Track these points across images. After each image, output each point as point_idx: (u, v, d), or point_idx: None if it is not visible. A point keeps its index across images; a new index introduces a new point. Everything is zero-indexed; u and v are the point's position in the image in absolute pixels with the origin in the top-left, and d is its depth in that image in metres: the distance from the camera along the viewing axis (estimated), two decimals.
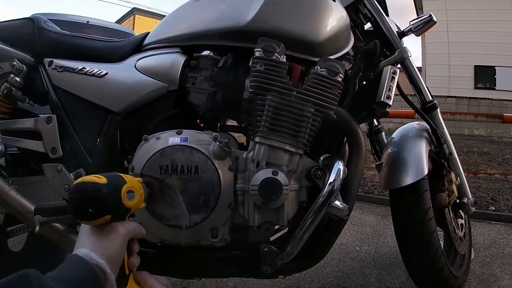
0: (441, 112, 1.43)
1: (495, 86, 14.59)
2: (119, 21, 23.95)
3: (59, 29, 1.32)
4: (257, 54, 0.97)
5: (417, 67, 1.40)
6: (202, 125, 1.17)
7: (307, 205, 0.96)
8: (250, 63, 0.99)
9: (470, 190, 1.51)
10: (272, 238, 1.07)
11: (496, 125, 10.28)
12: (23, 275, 0.48)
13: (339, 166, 0.94)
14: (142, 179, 0.79)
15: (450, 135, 1.44)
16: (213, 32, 1.07)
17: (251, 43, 1.00)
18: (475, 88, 14.70)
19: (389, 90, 1.13)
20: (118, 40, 1.27)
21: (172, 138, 0.95)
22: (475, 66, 14.77)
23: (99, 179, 0.66)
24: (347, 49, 1.16)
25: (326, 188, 0.92)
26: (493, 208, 2.83)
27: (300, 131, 0.95)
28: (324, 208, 0.92)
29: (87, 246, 0.62)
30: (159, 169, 0.93)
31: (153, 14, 22.52)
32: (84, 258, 0.58)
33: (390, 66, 1.19)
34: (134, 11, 24.03)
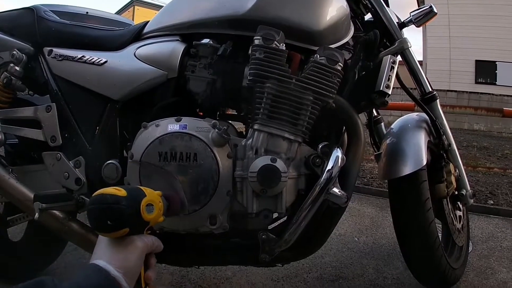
0: (441, 105, 1.43)
1: (496, 81, 14.55)
2: (119, 12, 23.76)
3: (59, 18, 1.32)
4: (256, 42, 0.97)
5: (418, 61, 1.39)
6: (201, 113, 1.18)
7: (306, 193, 0.97)
8: (250, 51, 0.99)
9: (469, 184, 1.51)
10: (270, 227, 1.08)
11: (496, 120, 10.26)
12: (39, 282, 0.49)
13: (338, 153, 0.94)
14: (162, 193, 0.79)
15: (450, 129, 1.44)
16: (212, 21, 1.07)
17: (250, 32, 1.00)
18: (476, 82, 14.66)
19: (388, 80, 1.12)
20: (118, 29, 1.26)
21: (171, 125, 0.95)
22: (476, 61, 14.71)
23: (119, 191, 0.65)
24: (347, 38, 1.15)
25: (324, 175, 0.92)
26: (492, 202, 2.85)
27: (299, 119, 0.95)
28: (322, 195, 0.92)
29: (104, 258, 0.62)
30: (158, 156, 0.93)
31: (153, 5, 22.35)
32: (101, 266, 0.58)
33: (389, 56, 1.18)
34: (133, 2, 23.86)
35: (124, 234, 0.64)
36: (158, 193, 0.76)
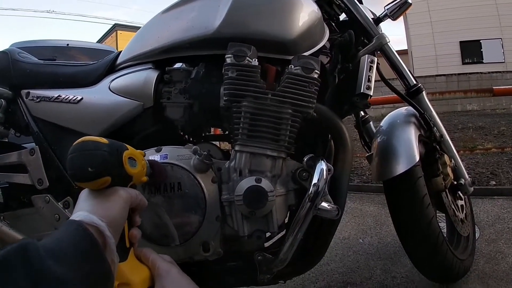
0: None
1: (483, 59, 14.65)
2: (102, 39, 23.86)
3: (35, 58, 1.32)
4: (228, 60, 0.95)
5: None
6: (186, 136, 1.15)
7: (297, 208, 0.94)
8: (223, 71, 0.97)
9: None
10: (270, 242, 1.05)
11: (488, 98, 10.29)
12: (22, 247, 0.44)
13: (322, 166, 0.91)
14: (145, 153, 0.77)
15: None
16: (183, 43, 1.05)
17: (222, 50, 0.98)
18: (463, 64, 14.77)
19: (368, 80, 1.10)
20: (91, 63, 1.25)
21: (151, 157, 0.93)
22: (461, 42, 14.83)
23: (100, 139, 0.64)
24: (322, 43, 1.13)
25: (310, 190, 0.89)
26: (494, 182, 2.82)
27: (280, 134, 0.93)
28: (311, 212, 0.89)
29: (86, 208, 0.58)
30: (142, 189, 0.90)
31: (135, 28, 22.38)
32: (83, 223, 0.54)
33: (367, 55, 1.16)
34: (115, 27, 23.93)
35: (106, 184, 0.62)
36: (140, 152, 0.75)
